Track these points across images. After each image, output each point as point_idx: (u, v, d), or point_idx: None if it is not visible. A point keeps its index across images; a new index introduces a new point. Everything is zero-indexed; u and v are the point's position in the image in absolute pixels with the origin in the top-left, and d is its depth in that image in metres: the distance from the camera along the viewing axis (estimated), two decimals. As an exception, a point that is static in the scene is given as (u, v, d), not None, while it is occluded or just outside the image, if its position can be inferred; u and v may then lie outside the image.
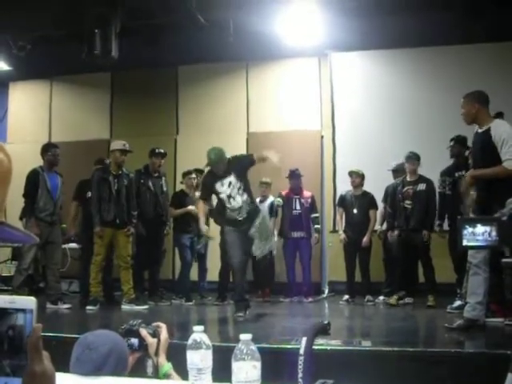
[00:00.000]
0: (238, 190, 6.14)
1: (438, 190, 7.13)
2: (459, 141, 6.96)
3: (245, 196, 6.15)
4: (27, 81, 10.78)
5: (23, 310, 0.93)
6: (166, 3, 7.54)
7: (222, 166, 6.15)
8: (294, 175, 8.13)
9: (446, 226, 7.12)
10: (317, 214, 8.33)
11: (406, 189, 7.30)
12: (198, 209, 6.74)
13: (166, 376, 2.14)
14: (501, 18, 7.63)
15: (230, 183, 6.13)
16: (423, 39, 8.47)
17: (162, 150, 7.94)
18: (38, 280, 8.18)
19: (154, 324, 2.32)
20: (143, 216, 7.57)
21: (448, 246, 6.96)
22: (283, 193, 8.23)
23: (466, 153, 6.83)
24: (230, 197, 6.13)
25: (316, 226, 8.22)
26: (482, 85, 8.19)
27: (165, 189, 7.98)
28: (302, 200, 8.15)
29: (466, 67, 8.48)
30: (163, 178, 8.01)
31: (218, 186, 6.17)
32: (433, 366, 3.84)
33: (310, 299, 7.91)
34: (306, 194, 8.25)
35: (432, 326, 6.21)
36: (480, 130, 5.04)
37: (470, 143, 6.79)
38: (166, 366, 2.17)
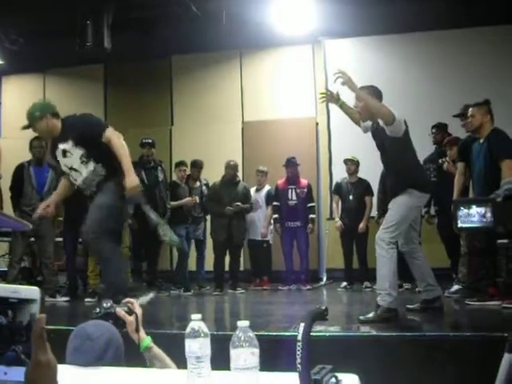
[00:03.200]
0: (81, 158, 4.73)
1: None
2: (441, 127, 7.03)
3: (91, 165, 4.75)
4: (20, 74, 10.76)
5: (26, 300, 0.93)
6: (157, -7, 7.52)
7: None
8: (291, 163, 8.11)
9: (432, 212, 7.17)
10: (313, 204, 8.29)
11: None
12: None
13: (148, 349, 2.19)
14: (491, 2, 7.62)
15: (65, 152, 4.77)
16: (416, 25, 8.47)
17: (150, 140, 7.79)
18: (36, 274, 8.18)
19: (124, 301, 2.33)
20: (137, 209, 7.50)
21: (438, 231, 6.99)
22: (279, 182, 8.22)
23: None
24: (72, 169, 4.81)
25: (311, 216, 8.19)
26: (474, 69, 8.27)
27: (160, 179, 7.74)
28: (298, 190, 8.12)
29: (459, 52, 8.49)
30: (159, 168, 7.82)
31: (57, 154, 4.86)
32: (432, 351, 3.86)
33: (309, 287, 7.93)
34: (303, 182, 8.23)
35: (430, 310, 6.22)
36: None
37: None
38: (147, 339, 2.21)
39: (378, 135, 4.95)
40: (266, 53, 9.87)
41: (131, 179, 4.59)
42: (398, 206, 4.75)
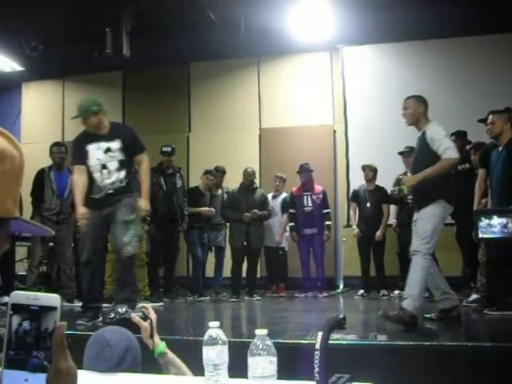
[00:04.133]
0: (119, 162, 5.09)
1: None
2: (460, 135, 6.98)
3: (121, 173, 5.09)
4: (40, 81, 10.87)
5: (47, 308, 0.94)
6: (176, 1, 7.54)
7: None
8: (304, 169, 8.12)
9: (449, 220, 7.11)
10: (328, 210, 8.27)
11: (391, 190, 7.37)
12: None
13: (163, 355, 2.17)
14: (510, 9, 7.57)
15: (109, 150, 5.07)
16: (434, 32, 8.43)
17: (170, 149, 7.77)
18: (54, 279, 8.23)
19: (139, 306, 2.32)
20: (155, 215, 7.43)
21: (456, 239, 6.93)
22: (294, 189, 8.22)
23: (468, 147, 6.87)
24: (105, 168, 5.08)
25: (327, 223, 8.17)
26: (492, 76, 8.22)
27: (178, 185, 7.73)
28: (314, 196, 8.12)
29: (476, 59, 8.44)
30: (177, 175, 7.81)
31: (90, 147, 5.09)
32: (450, 360, 3.82)
33: (325, 294, 7.91)
34: (317, 188, 8.22)
35: (448, 320, 6.17)
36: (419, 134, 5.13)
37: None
38: (161, 345, 2.19)
39: (418, 143, 5.06)
40: (284, 60, 9.87)
41: (147, 202, 5.14)
42: (430, 216, 4.78)
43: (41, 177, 7.03)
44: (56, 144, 7.35)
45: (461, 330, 4.98)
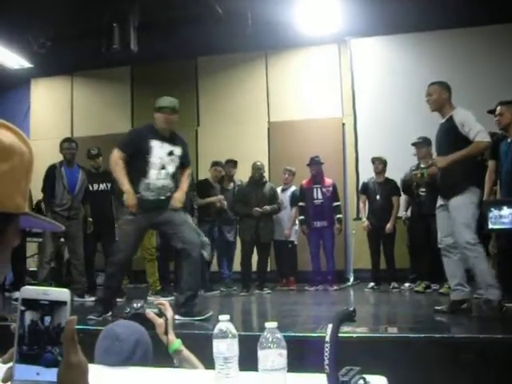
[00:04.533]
0: (175, 168, 5.14)
1: None
2: None
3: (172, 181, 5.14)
4: (48, 77, 10.90)
5: (57, 302, 0.95)
6: (183, -5, 7.54)
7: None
8: (314, 162, 8.09)
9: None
10: (338, 203, 8.24)
11: (413, 173, 7.31)
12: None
13: (177, 352, 2.15)
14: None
15: (172, 153, 5.13)
16: (442, 22, 8.38)
17: None
18: (64, 274, 8.28)
19: (157, 302, 2.32)
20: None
21: None
22: (304, 182, 8.20)
23: None
24: (163, 169, 5.08)
25: (338, 216, 8.15)
26: (501, 66, 8.16)
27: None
28: (324, 189, 8.10)
29: (486, 49, 8.39)
30: None
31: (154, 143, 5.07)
32: (460, 352, 3.82)
33: (335, 287, 7.91)
34: (327, 181, 8.20)
35: (458, 312, 6.16)
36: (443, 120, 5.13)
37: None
38: (176, 342, 2.17)
39: (441, 128, 5.11)
40: (292, 53, 9.85)
41: (183, 195, 5.19)
42: (466, 205, 4.81)
43: (52, 173, 7.05)
44: (67, 140, 7.36)
45: (472, 321, 4.96)
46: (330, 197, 8.11)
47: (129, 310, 2.28)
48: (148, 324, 2.22)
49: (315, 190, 8.10)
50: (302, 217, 8.15)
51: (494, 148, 5.88)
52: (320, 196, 8.08)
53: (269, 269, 8.41)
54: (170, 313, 2.25)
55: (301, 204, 8.13)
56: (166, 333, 2.19)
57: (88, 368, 0.97)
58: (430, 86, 5.17)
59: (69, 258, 7.59)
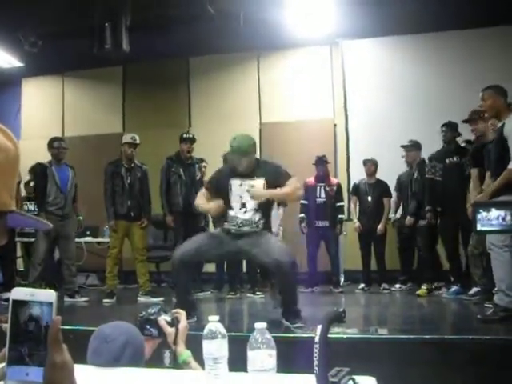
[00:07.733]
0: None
1: (426, 176, 6.98)
2: (451, 126, 6.91)
3: (257, 215, 4.95)
4: (39, 76, 10.84)
5: (43, 303, 0.95)
6: (175, -5, 7.53)
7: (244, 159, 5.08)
8: (320, 161, 7.99)
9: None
10: (342, 203, 8.12)
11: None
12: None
13: (185, 364, 2.13)
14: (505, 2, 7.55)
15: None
16: (434, 25, 8.39)
17: (191, 135, 7.55)
18: (54, 274, 8.24)
19: (173, 311, 2.30)
20: (173, 207, 7.24)
21: (440, 233, 6.91)
22: (307, 180, 7.98)
23: (460, 140, 6.89)
24: (243, 205, 4.97)
25: (340, 216, 8.01)
26: (492, 69, 8.19)
27: (198, 177, 7.41)
28: (328, 188, 7.97)
29: (478, 52, 8.41)
30: (196, 166, 7.53)
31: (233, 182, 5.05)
32: (451, 353, 3.83)
33: (341, 289, 7.83)
34: (333, 181, 8.12)
35: (450, 312, 6.18)
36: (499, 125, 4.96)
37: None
38: (185, 354, 2.16)
39: (495, 136, 4.93)
40: (284, 54, 9.84)
41: (269, 192, 4.96)
42: None
43: (43, 171, 7.01)
44: (56, 139, 7.32)
45: (462, 322, 4.98)
46: (334, 196, 7.98)
47: (143, 313, 2.26)
48: (160, 330, 2.20)
49: (318, 188, 7.98)
50: (302, 215, 8.01)
51: (475, 156, 5.85)
52: (323, 195, 7.94)
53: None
54: (183, 323, 2.23)
55: (303, 202, 7.84)
56: (175, 343, 2.17)
57: (73, 368, 0.97)
58: (483, 90, 4.91)
59: (59, 257, 7.55)
